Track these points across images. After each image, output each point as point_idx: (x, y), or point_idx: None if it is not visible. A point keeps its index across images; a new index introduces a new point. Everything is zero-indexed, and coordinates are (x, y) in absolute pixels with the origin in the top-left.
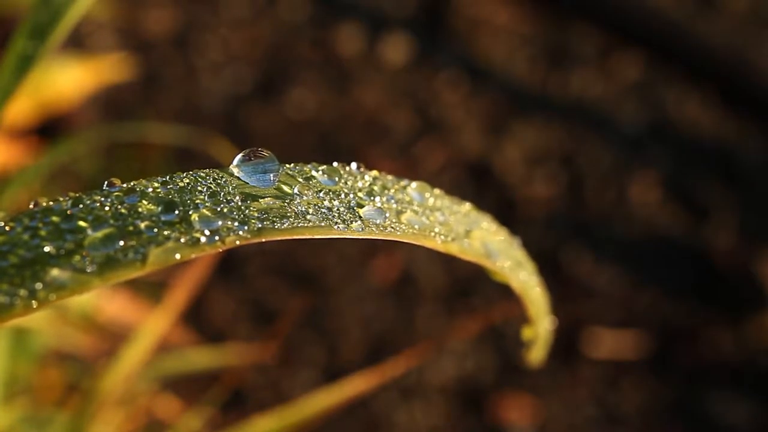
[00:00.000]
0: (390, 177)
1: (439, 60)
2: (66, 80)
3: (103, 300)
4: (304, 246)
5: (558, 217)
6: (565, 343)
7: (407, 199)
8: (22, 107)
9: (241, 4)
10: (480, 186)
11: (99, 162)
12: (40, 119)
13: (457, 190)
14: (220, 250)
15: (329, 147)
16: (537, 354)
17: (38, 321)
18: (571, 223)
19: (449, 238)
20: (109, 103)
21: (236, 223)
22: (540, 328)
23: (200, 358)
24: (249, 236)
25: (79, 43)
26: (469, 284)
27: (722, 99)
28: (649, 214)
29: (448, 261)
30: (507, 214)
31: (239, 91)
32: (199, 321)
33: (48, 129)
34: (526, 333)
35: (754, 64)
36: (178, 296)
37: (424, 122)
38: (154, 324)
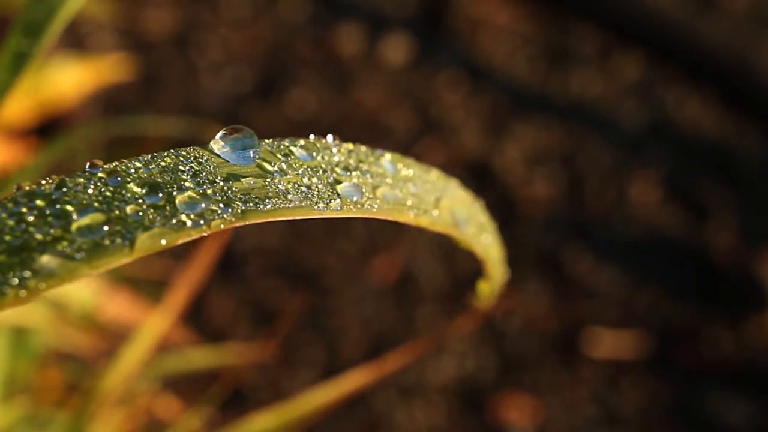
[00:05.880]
0: (364, 148)
1: (439, 60)
2: (66, 80)
3: (103, 299)
4: (304, 245)
5: (558, 217)
6: (565, 343)
7: (381, 171)
8: (22, 107)
9: (241, 4)
10: (480, 186)
11: (97, 159)
12: (39, 119)
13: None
14: (206, 234)
15: None
16: (484, 302)
17: (38, 321)
18: (571, 223)
19: (421, 211)
20: (109, 103)
21: (221, 205)
22: (495, 282)
23: (200, 357)
24: (233, 219)
25: (79, 43)
26: (469, 284)
27: (722, 99)
28: (649, 214)
29: (448, 260)
30: (507, 214)
31: (239, 90)
32: (199, 321)
33: (47, 129)
34: (482, 287)
35: (754, 64)
36: (178, 296)
37: (424, 122)
38: (154, 324)
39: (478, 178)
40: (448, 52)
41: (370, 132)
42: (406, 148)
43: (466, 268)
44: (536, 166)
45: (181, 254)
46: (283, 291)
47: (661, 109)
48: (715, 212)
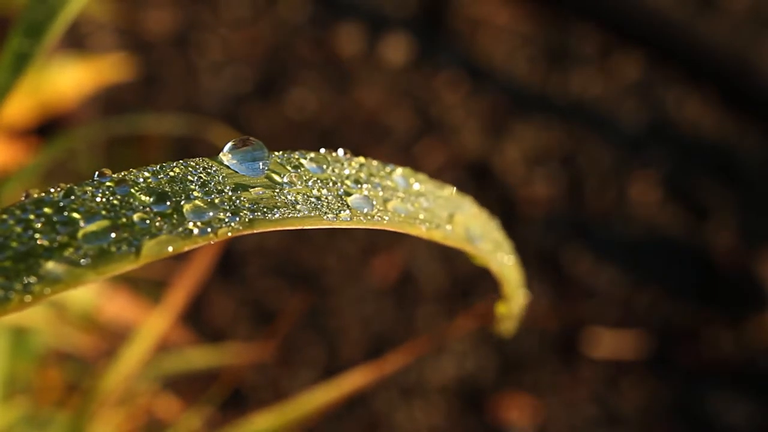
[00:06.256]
0: (375, 163)
1: (439, 60)
2: (66, 80)
3: (103, 300)
4: (304, 246)
5: (558, 217)
6: (565, 343)
7: (392, 185)
8: (22, 107)
9: (241, 4)
10: (480, 186)
11: (97, 159)
12: (39, 119)
13: (457, 190)
14: (212, 243)
15: (329, 147)
16: (508, 327)
17: (38, 321)
18: (571, 223)
19: (433, 225)
20: (109, 103)
21: (228, 214)
22: (514, 304)
23: (200, 357)
24: (241, 228)
25: (79, 43)
26: (469, 284)
27: (722, 99)
28: (649, 214)
29: (448, 260)
30: (507, 214)
31: (239, 91)
32: (199, 321)
33: (48, 129)
34: (500, 309)
35: (754, 64)
36: (178, 296)
37: (424, 122)
38: (154, 324)
39: (478, 178)
40: (448, 52)
41: (370, 132)
42: (406, 148)
43: (466, 268)
44: (536, 166)
45: (181, 254)
46: (283, 291)
47: (661, 109)
48: (715, 212)
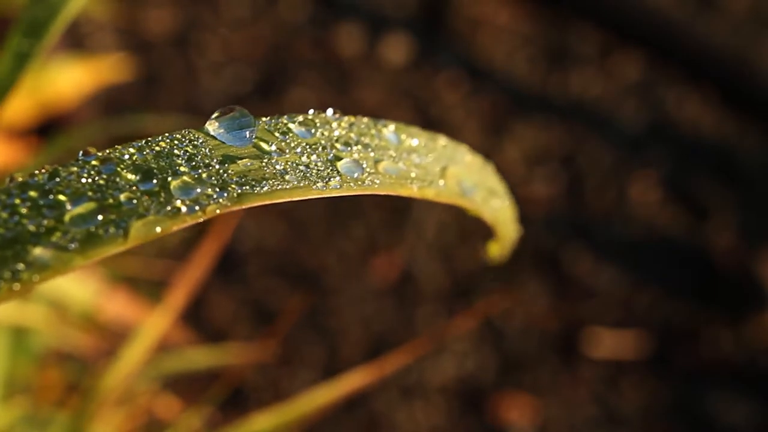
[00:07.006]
0: (366, 120)
1: (439, 60)
2: (66, 80)
3: (103, 300)
4: (304, 245)
5: (558, 217)
6: (565, 343)
7: (384, 144)
8: (22, 107)
9: (241, 4)
10: None
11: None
12: (39, 119)
13: None
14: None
15: None
16: (497, 259)
17: (38, 321)
18: (571, 223)
19: (426, 183)
20: (109, 104)
21: (216, 189)
22: (507, 241)
23: (200, 357)
24: (229, 204)
25: (79, 43)
26: (469, 283)
27: (722, 99)
28: (649, 214)
29: (448, 260)
30: None
31: (239, 90)
32: (199, 321)
33: (48, 129)
34: (492, 248)
35: (754, 64)
36: (178, 296)
37: (424, 122)
38: (154, 324)
39: None
40: (448, 52)
41: None
42: None
43: (466, 268)
44: (536, 166)
45: (181, 254)
46: (283, 291)
47: (661, 109)
48: (715, 212)
